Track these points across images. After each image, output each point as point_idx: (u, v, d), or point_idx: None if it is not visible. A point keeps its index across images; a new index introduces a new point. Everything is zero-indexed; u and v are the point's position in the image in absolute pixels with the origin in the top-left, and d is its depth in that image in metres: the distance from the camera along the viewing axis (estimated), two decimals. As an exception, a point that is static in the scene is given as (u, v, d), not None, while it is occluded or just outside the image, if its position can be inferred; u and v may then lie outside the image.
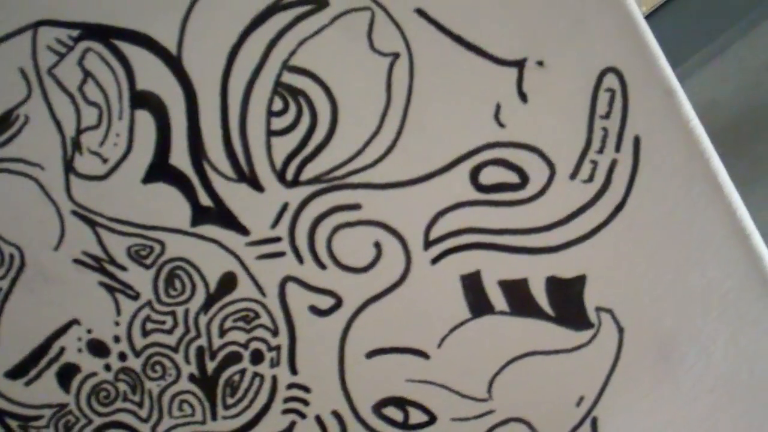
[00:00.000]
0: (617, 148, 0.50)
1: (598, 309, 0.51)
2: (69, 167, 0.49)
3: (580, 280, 0.51)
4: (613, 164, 0.50)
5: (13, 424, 0.50)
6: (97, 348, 0.50)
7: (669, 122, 0.50)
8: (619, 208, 0.50)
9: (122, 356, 0.50)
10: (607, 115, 0.50)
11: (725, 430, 0.51)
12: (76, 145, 0.48)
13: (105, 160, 0.49)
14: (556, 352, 0.51)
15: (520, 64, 0.49)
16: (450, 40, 0.49)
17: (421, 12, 0.49)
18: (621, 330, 0.51)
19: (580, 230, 0.50)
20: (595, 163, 0.50)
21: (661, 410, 0.52)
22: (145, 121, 0.49)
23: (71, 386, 0.50)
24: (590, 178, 0.50)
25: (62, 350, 0.50)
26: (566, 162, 0.50)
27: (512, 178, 0.50)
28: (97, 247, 0.49)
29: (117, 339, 0.50)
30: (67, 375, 0.50)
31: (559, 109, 0.50)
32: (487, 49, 0.49)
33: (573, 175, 0.50)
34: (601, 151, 0.50)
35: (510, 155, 0.50)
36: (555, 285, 0.50)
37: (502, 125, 0.49)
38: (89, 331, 0.50)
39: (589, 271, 0.51)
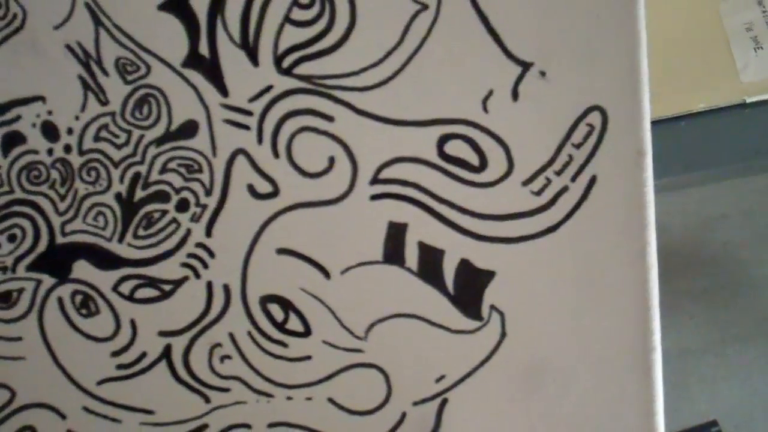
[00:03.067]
0: (573, 178, 0.47)
1: (493, 307, 0.48)
2: (101, -37, 0.45)
3: (488, 275, 0.48)
4: (564, 190, 0.47)
5: (-55, 161, 0.47)
6: (49, 131, 0.46)
7: (627, 178, 0.48)
8: (551, 230, 0.48)
9: (67, 148, 0.47)
10: (578, 146, 0.47)
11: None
12: (116, -53, 0.45)
13: (134, -27, 0.45)
14: (440, 326, 0.48)
15: (525, 66, 0.46)
16: (476, 16, 0.46)
17: (463, -21, 0.46)
18: (503, 335, 0.48)
19: (509, 232, 0.48)
20: (549, 180, 0.47)
21: (503, 424, 0.49)
22: (185, -45, 0.45)
23: (10, 153, 0.47)
24: (539, 192, 0.47)
25: (18, 118, 0.46)
26: (525, 168, 0.48)
27: (473, 159, 0.47)
28: (92, 43, 0.46)
29: (70, 131, 0.46)
30: (11, 142, 0.47)
31: (540, 121, 0.47)
32: (503, 39, 0.46)
33: (525, 183, 0.47)
34: (558, 173, 0.47)
35: (480, 139, 0.47)
36: (465, 268, 0.48)
37: (486, 110, 0.47)
38: (49, 113, 0.46)
39: (499, 271, 0.48)
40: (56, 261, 0.49)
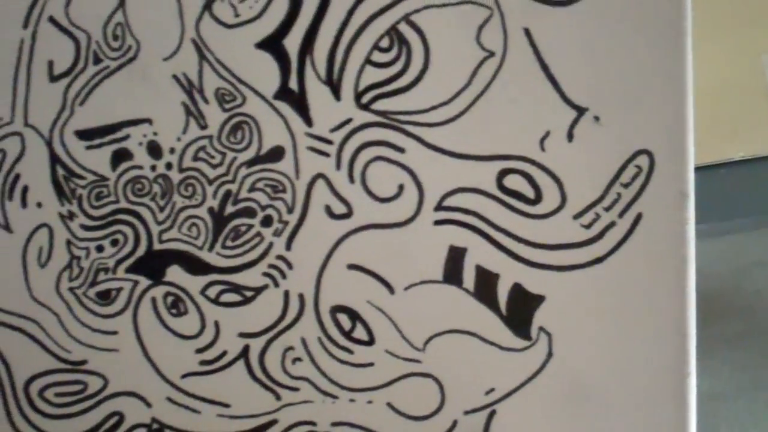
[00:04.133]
0: (620, 215, 0.50)
1: (541, 329, 0.51)
2: (208, 5, 0.50)
3: (539, 299, 0.51)
4: (611, 225, 0.50)
5: (60, 171, 0.51)
6: (154, 150, 0.51)
7: (670, 217, 0.50)
8: (598, 261, 0.50)
9: (168, 166, 0.51)
10: (626, 185, 0.50)
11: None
12: (223, -8, 0.49)
13: (237, 15, 0.50)
14: (492, 343, 0.51)
15: (580, 111, 0.49)
16: (538, 64, 0.49)
17: (527, 32, 0.49)
18: (550, 355, 0.51)
19: (559, 261, 0.51)
20: (598, 215, 0.50)
21: (547, 436, 0.51)
22: (282, 1, 0.50)
23: (118, 167, 0.51)
24: (588, 226, 0.50)
25: (127, 136, 0.51)
26: (576, 203, 0.51)
27: (530, 193, 0.50)
28: (196, 75, 0.50)
29: (172, 150, 0.50)
30: (120, 157, 0.51)
31: (592, 161, 0.50)
32: (562, 85, 0.49)
33: (576, 216, 0.50)
34: (607, 209, 0.50)
35: (536, 175, 0.50)
36: (517, 292, 0.50)
37: (543, 149, 0.50)
38: (155, 134, 0.51)
39: (549, 296, 0.51)
40: (152, 265, 0.53)
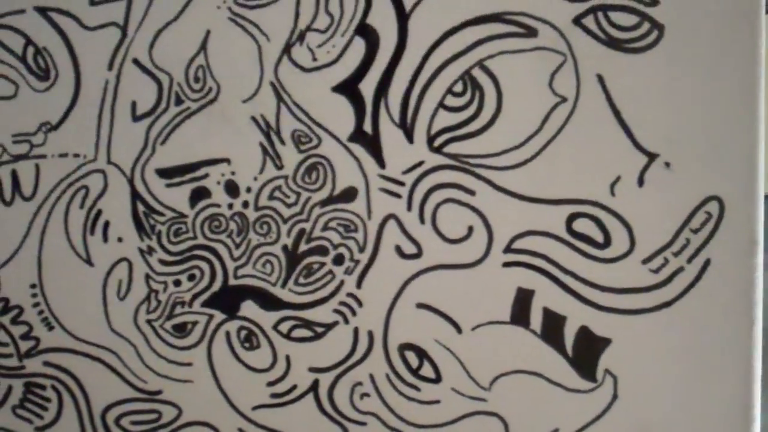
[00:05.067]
0: (689, 260, 0.49)
1: (607, 371, 0.50)
2: (287, 49, 0.50)
3: (605, 342, 0.50)
4: (680, 270, 0.49)
5: (141, 208, 0.51)
6: (232, 188, 0.51)
7: (739, 263, 0.49)
8: (666, 305, 0.49)
9: (245, 204, 0.51)
10: (695, 231, 0.48)
11: None
12: (301, 37, 0.49)
13: (315, 59, 0.50)
14: (557, 384, 0.50)
15: (651, 156, 0.48)
16: (610, 110, 0.48)
17: (600, 78, 0.48)
18: (615, 397, 0.50)
19: (627, 305, 0.50)
20: (666, 260, 0.49)
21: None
22: (358, 47, 0.50)
23: (197, 205, 0.51)
24: (656, 270, 0.49)
25: (206, 175, 0.51)
26: (645, 248, 0.50)
27: (599, 237, 0.49)
28: (274, 117, 0.50)
29: (249, 190, 0.50)
30: (198, 195, 0.51)
31: (662, 206, 0.49)
32: (633, 131, 0.48)
33: (645, 261, 0.49)
34: (676, 255, 0.49)
35: (606, 219, 0.49)
36: (584, 334, 0.49)
37: (613, 194, 0.48)
38: (233, 173, 0.50)
39: (615, 339, 0.50)
40: (227, 300, 0.53)
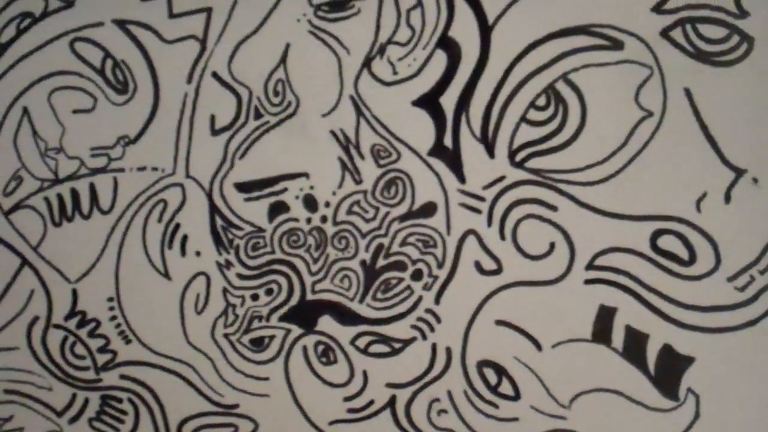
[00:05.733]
0: (776, 278, 0.46)
1: (689, 390, 0.48)
2: (367, 63, 0.48)
3: (688, 360, 0.48)
4: (766, 288, 0.46)
5: (219, 222, 0.50)
6: (310, 203, 0.49)
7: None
8: (752, 323, 0.48)
9: (324, 219, 0.49)
10: (783, 249, 0.46)
11: None
12: (382, 51, 0.48)
13: (395, 72, 0.48)
14: (639, 403, 0.49)
15: (739, 172, 0.46)
16: (697, 124, 0.46)
17: (688, 92, 0.46)
18: (697, 415, 0.48)
19: (711, 323, 0.48)
20: (752, 278, 0.47)
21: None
22: (440, 60, 0.48)
23: (275, 219, 0.49)
24: (742, 288, 0.47)
25: (285, 190, 0.49)
26: (731, 266, 0.48)
27: (684, 254, 0.47)
28: (353, 131, 0.49)
29: (327, 204, 0.49)
30: (277, 210, 0.50)
31: (749, 223, 0.47)
32: (721, 146, 0.47)
33: (730, 279, 0.47)
34: (762, 272, 0.47)
35: (691, 236, 0.47)
36: (667, 353, 0.48)
37: (699, 210, 0.46)
38: (311, 187, 0.49)
39: (699, 357, 0.48)
40: (305, 314, 0.52)
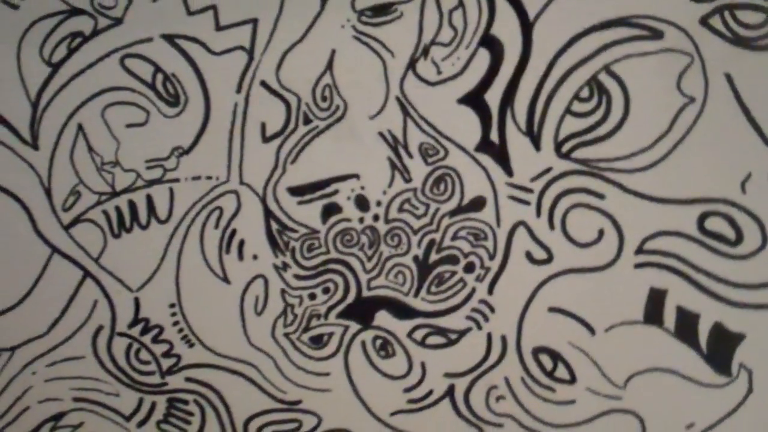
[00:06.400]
0: (822, 253, 0.47)
1: (741, 366, 0.48)
2: (412, 64, 0.49)
3: (739, 337, 0.49)
4: (813, 263, 0.47)
5: (274, 226, 0.51)
6: (362, 203, 0.50)
7: None
8: (800, 299, 0.47)
9: (375, 217, 0.50)
10: (827, 224, 0.47)
11: None
12: (425, 52, 0.48)
13: (439, 72, 0.49)
14: (692, 380, 0.49)
15: (782, 152, 0.47)
16: (738, 108, 0.47)
17: (728, 77, 0.47)
18: (750, 390, 0.49)
19: (761, 300, 0.49)
20: (799, 255, 0.47)
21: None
22: (483, 58, 0.49)
23: (329, 221, 0.50)
24: (789, 265, 0.47)
25: (336, 192, 0.50)
26: (777, 243, 0.48)
27: (731, 234, 0.48)
28: (401, 131, 0.49)
29: (378, 203, 0.50)
30: (329, 211, 0.50)
31: (793, 201, 0.47)
32: (763, 128, 0.47)
33: (777, 256, 0.47)
34: (809, 248, 0.47)
35: (738, 216, 0.48)
36: (718, 331, 0.49)
37: (744, 191, 0.47)
38: (362, 188, 0.50)
39: (749, 334, 0.48)
40: (362, 311, 0.53)
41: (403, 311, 0.54)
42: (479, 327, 0.53)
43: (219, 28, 0.53)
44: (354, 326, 0.54)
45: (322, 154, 0.53)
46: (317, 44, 0.52)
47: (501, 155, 0.52)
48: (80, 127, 0.54)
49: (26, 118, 0.54)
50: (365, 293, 0.54)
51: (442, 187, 0.53)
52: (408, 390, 0.54)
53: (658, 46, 0.50)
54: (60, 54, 0.54)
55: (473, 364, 0.54)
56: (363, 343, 0.54)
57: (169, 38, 0.53)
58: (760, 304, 0.51)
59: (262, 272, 0.54)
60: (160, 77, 0.54)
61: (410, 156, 0.53)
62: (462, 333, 0.54)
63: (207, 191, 0.54)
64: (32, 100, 0.54)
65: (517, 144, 0.52)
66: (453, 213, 0.53)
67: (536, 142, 0.52)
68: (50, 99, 0.54)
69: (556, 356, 0.53)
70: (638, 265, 0.52)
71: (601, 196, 0.52)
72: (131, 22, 0.53)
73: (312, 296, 0.54)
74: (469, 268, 0.53)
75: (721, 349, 0.52)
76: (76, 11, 0.53)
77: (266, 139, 0.53)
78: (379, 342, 0.54)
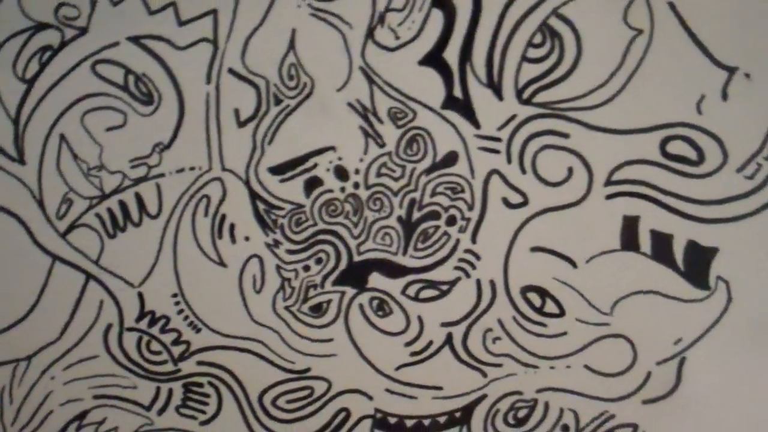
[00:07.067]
0: (781, 161, 0.49)
1: (719, 278, 0.51)
2: (370, 33, 0.51)
3: (713, 251, 0.51)
4: (773, 172, 0.49)
5: (261, 206, 0.53)
6: (341, 173, 0.52)
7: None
8: (766, 206, 0.50)
9: (356, 185, 0.52)
10: (782, 132, 0.49)
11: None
12: (381, 19, 0.50)
13: (397, 38, 0.51)
14: (674, 298, 0.52)
15: (731, 70, 0.49)
16: (685, 33, 0.49)
17: (671, 5, 0.49)
18: (730, 300, 0.51)
19: (728, 213, 0.51)
20: (759, 165, 0.50)
21: (736, 371, 0.51)
22: (437, 18, 0.50)
23: (312, 194, 0.52)
24: (751, 176, 0.50)
25: (315, 165, 0.52)
26: (738, 157, 0.51)
27: (693, 155, 0.50)
28: (368, 99, 0.51)
29: (357, 171, 0.52)
30: (311, 185, 0.52)
31: (748, 116, 0.50)
32: (710, 49, 0.49)
33: (739, 170, 0.50)
34: (768, 158, 0.49)
35: (697, 137, 0.50)
36: (692, 248, 0.51)
37: (700, 112, 0.49)
38: (339, 159, 0.52)
39: (722, 246, 0.51)
40: (355, 275, 0.55)
41: (394, 270, 0.56)
42: (468, 275, 0.56)
43: (181, 23, 0.54)
44: (350, 291, 0.57)
45: (296, 131, 0.55)
46: (277, 26, 0.54)
47: (466, 110, 0.54)
48: (63, 137, 0.56)
49: (9, 135, 0.56)
50: (356, 258, 0.56)
51: (415, 147, 0.55)
52: (409, 344, 0.57)
53: (601, -15, 0.52)
54: (33, 69, 0.56)
55: (467, 311, 0.56)
56: (361, 306, 0.57)
57: (135, 40, 0.55)
58: (728, 218, 0.54)
59: (256, 252, 0.56)
60: (131, 79, 0.55)
61: (381, 122, 0.54)
62: (452, 283, 0.56)
63: (192, 182, 0.56)
64: (12, 117, 0.56)
65: (481, 97, 0.54)
66: (429, 171, 0.55)
67: (498, 93, 0.54)
68: (30, 114, 0.56)
69: (543, 293, 0.55)
70: (609, 196, 0.54)
71: (565, 136, 0.54)
72: (96, 29, 0.55)
73: (306, 268, 0.56)
74: (451, 221, 0.55)
75: (697, 265, 0.54)
76: (42, 26, 0.55)
77: (241, 124, 0.55)
78: (375, 302, 0.56)
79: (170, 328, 0.58)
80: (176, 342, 0.58)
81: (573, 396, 0.56)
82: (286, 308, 0.57)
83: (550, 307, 0.56)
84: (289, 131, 0.55)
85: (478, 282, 0.56)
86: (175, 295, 0.57)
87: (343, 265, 0.56)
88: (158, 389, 0.59)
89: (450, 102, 0.54)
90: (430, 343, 0.57)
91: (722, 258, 0.54)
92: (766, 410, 0.55)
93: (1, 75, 0.55)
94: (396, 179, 0.55)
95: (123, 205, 0.56)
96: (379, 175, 0.55)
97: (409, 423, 0.58)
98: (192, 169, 0.56)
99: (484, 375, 0.57)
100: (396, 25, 0.53)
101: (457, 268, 0.56)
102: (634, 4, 0.52)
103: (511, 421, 0.57)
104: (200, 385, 0.59)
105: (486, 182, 0.55)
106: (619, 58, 0.52)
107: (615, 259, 0.55)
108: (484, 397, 0.57)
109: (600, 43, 0.52)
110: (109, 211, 0.57)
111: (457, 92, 0.54)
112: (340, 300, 0.57)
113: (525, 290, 0.56)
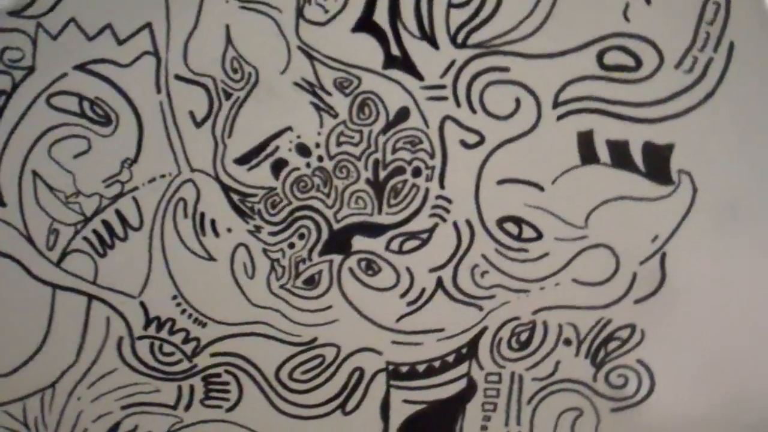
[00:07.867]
0: (715, 49, 0.58)
1: (680, 171, 0.60)
2: (300, 13, 0.59)
3: (669, 147, 0.60)
4: (710, 61, 0.58)
5: (235, 197, 0.62)
6: (303, 150, 0.61)
7: (760, 37, 0.58)
8: (709, 95, 0.59)
9: (320, 158, 0.61)
10: (711, 23, 0.58)
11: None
12: (307, -3, 0.59)
13: (326, 11, 0.59)
14: (642, 199, 0.60)
15: (649, -27, 0.57)
16: (598, -52, 0.57)
17: (578, -77, 0.56)
18: (695, 190, 0.60)
19: (676, 109, 0.59)
20: (695, 58, 0.58)
21: (714, 254, 0.61)
22: (359, -16, 0.58)
23: (280, 175, 0.62)
24: (690, 70, 0.58)
25: (277, 148, 0.61)
26: (673, 55, 0.59)
27: (629, 62, 0.58)
28: (312, 75, 0.60)
29: (317, 145, 0.61)
30: (278, 167, 0.62)
31: (674, 14, 0.58)
32: (625, -43, 0.57)
33: (677, 66, 0.58)
34: (702, 49, 0.58)
35: (630, 44, 0.58)
36: (649, 148, 0.59)
37: (627, 20, 0.58)
38: (298, 137, 0.61)
39: (677, 141, 0.60)
40: (339, 242, 0.65)
41: (374, 230, 0.66)
42: (444, 220, 0.65)
43: (120, 42, 0.64)
44: (337, 258, 0.67)
45: (252, 120, 0.64)
46: (211, 25, 0.63)
47: (407, 65, 0.63)
48: (35, 173, 0.66)
49: (-15, 182, 0.66)
50: (336, 226, 0.66)
51: (366, 111, 0.64)
52: (403, 295, 0.67)
53: None
54: (-7, 117, 0.65)
55: (450, 253, 0.66)
56: (351, 270, 0.67)
57: (81, 67, 0.64)
58: (677, 113, 0.62)
59: (241, 240, 0.66)
60: (86, 104, 0.65)
61: (329, 94, 0.64)
62: (431, 230, 0.66)
63: (165, 188, 0.66)
64: (-16, 165, 0.65)
65: (418, 50, 0.63)
66: (385, 130, 0.64)
67: (433, 42, 0.63)
68: (-1, 158, 0.65)
69: (518, 221, 0.65)
70: (560, 117, 0.63)
71: (506, 70, 0.63)
72: (43, 65, 0.64)
73: (291, 245, 0.67)
74: (417, 172, 0.65)
75: (657, 164, 0.63)
76: (-10, 73, 0.64)
77: (199, 125, 0.65)
78: (363, 263, 0.67)
79: (178, 328, 0.68)
80: (186, 340, 0.69)
81: (568, 310, 0.66)
82: (281, 287, 0.67)
83: (528, 232, 0.65)
84: (245, 121, 0.64)
85: (455, 224, 0.66)
86: (174, 297, 0.68)
87: (325, 235, 0.66)
88: (180, 388, 0.69)
89: (390, 61, 0.63)
90: (423, 290, 0.67)
91: (679, 152, 0.63)
92: (745, 285, 0.65)
93: (-37, 128, 0.65)
94: (356, 144, 0.65)
95: (107, 224, 0.66)
96: (339, 144, 0.65)
97: (421, 368, 0.68)
98: (163, 176, 0.66)
99: (480, 309, 0.67)
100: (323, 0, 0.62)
101: (432, 215, 0.66)
102: (544, -70, 0.60)
103: (515, 346, 0.67)
104: (218, 375, 0.69)
105: (441, 129, 0.64)
106: (541, -15, 0.61)
107: (578, 175, 0.64)
108: (485, 329, 0.67)
109: (519, -26, 0.61)
110: (95, 232, 0.67)
111: (395, 50, 0.63)
112: (330, 268, 0.67)
113: (501, 222, 0.65)
